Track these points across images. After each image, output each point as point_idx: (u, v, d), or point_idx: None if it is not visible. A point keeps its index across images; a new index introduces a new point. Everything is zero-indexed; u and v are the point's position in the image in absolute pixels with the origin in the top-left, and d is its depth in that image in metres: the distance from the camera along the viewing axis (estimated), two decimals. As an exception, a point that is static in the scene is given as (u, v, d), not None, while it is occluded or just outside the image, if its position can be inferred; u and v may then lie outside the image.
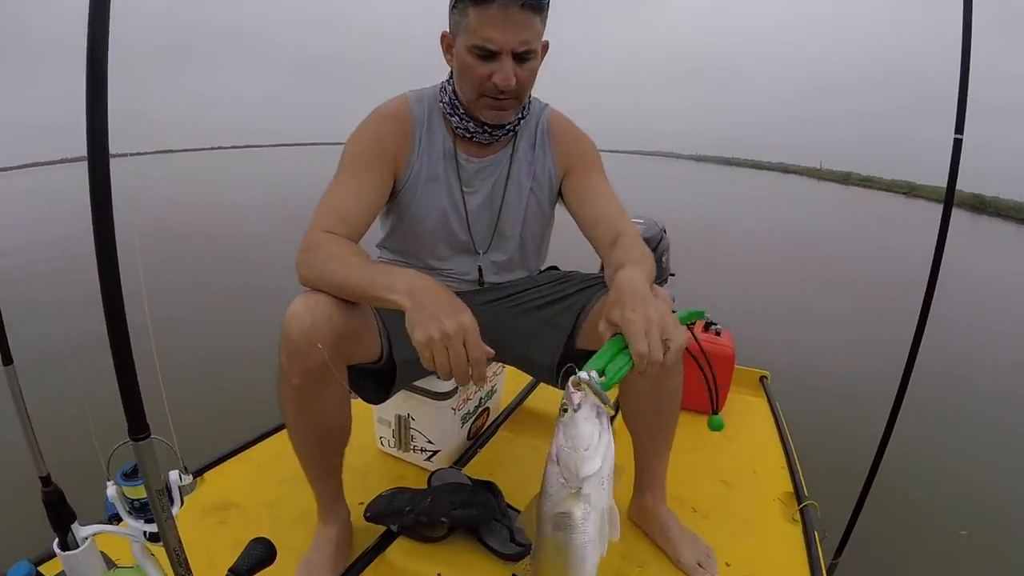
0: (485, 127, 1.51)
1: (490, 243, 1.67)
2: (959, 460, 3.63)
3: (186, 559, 0.80)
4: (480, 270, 1.70)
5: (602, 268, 1.76)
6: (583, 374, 0.94)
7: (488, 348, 1.12)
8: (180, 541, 0.77)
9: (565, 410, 0.92)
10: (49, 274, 7.91)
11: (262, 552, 1.13)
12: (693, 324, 1.30)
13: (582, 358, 1.05)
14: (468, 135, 1.54)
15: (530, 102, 1.58)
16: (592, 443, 0.89)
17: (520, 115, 1.56)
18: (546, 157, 1.64)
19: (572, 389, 0.92)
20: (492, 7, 1.29)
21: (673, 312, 1.13)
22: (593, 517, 0.91)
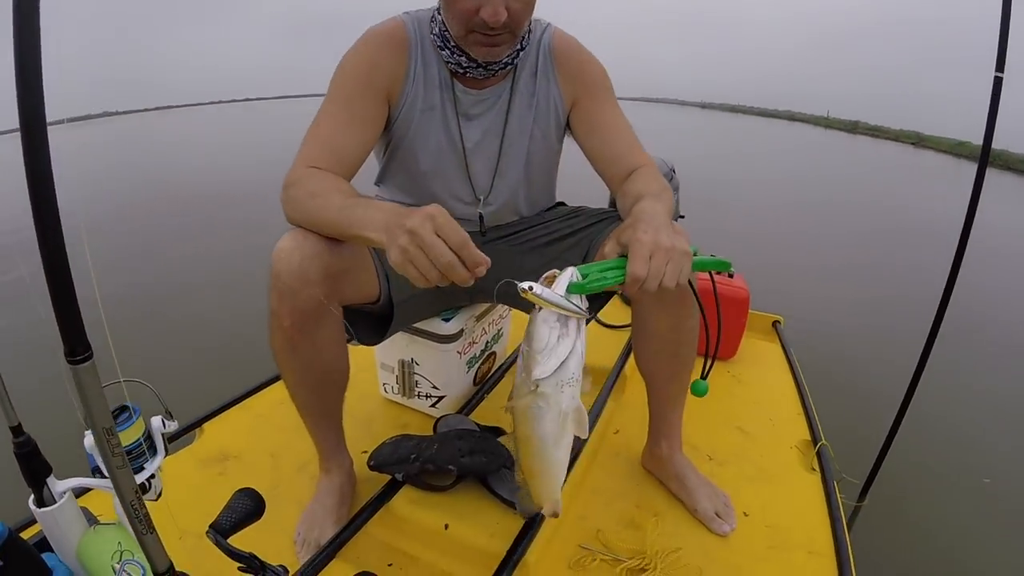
0: (479, 63, 1.38)
1: (492, 184, 1.56)
2: (983, 412, 3.56)
3: (147, 514, 0.71)
4: (481, 217, 1.59)
5: (612, 203, 1.66)
6: (560, 280, 0.93)
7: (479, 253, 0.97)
8: (138, 492, 0.68)
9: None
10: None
11: (248, 505, 1.03)
12: (720, 273, 1.26)
13: (595, 298, 0.99)
14: (461, 71, 1.42)
15: (529, 30, 1.44)
16: (545, 346, 0.91)
17: (519, 47, 1.42)
18: (549, 86, 1.50)
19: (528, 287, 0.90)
20: None
21: (695, 254, 1.05)
22: (550, 416, 0.94)
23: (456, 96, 1.46)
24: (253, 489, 1.05)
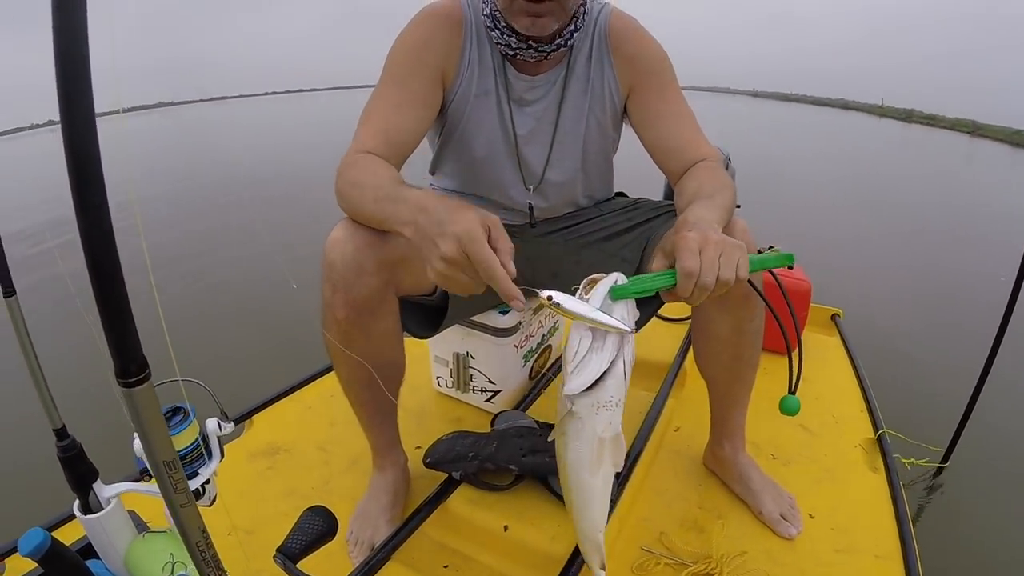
0: (530, 42, 1.30)
1: (543, 174, 1.49)
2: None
3: (215, 556, 0.64)
4: (531, 207, 1.52)
5: (667, 193, 1.59)
6: (597, 291, 0.84)
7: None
8: (205, 532, 0.61)
9: None
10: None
11: (320, 526, 0.98)
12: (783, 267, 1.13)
13: (655, 295, 0.90)
14: (511, 52, 1.34)
15: (585, 9, 1.36)
16: (574, 357, 0.83)
17: (572, 27, 1.33)
18: (604, 72, 1.41)
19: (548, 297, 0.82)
20: None
21: (760, 251, 0.97)
22: (584, 438, 0.87)
23: (508, 81, 1.39)
24: (324, 507, 1.00)
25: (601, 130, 1.48)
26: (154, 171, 12.19)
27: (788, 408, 1.20)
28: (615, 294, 0.83)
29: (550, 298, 0.80)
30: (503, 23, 1.30)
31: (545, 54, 1.34)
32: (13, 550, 1.34)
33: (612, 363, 0.82)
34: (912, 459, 2.26)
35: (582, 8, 1.33)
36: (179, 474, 0.55)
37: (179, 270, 5.36)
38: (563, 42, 1.33)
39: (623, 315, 0.83)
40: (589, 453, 0.88)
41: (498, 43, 1.34)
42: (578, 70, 1.41)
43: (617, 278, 0.84)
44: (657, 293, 0.88)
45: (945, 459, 2.40)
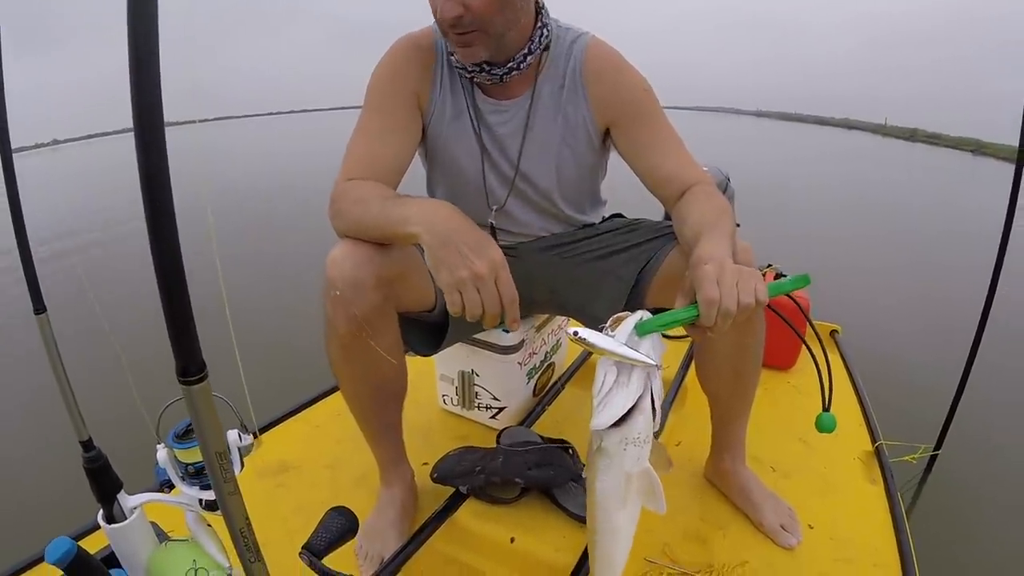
0: (483, 65, 1.34)
1: (507, 197, 1.52)
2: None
3: (255, 541, 0.68)
4: (492, 227, 1.56)
5: (667, 216, 1.62)
6: (623, 326, 0.86)
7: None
8: (248, 519, 0.65)
9: None
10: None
11: (342, 523, 1.01)
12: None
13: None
14: (468, 75, 1.39)
15: (545, 32, 1.38)
16: (599, 391, 0.84)
17: (526, 50, 1.35)
18: (578, 100, 1.42)
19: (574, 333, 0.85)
20: None
21: (777, 277, 1.00)
22: (612, 473, 0.88)
23: (476, 104, 1.43)
24: (346, 507, 1.03)
25: (576, 158, 1.49)
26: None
27: (824, 426, 1.22)
28: (641, 330, 0.85)
29: (576, 334, 0.84)
30: None
31: (499, 76, 1.37)
32: (40, 559, 1.37)
33: (639, 399, 0.84)
34: (910, 456, 2.32)
35: (540, 32, 1.36)
36: (227, 464, 0.59)
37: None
38: (515, 65, 1.35)
39: (648, 350, 0.84)
40: (616, 488, 0.89)
41: (457, 67, 1.39)
42: (544, 97, 1.43)
43: (642, 315, 0.87)
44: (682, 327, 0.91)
45: (938, 447, 2.49)
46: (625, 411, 0.83)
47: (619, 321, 0.86)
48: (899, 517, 1.60)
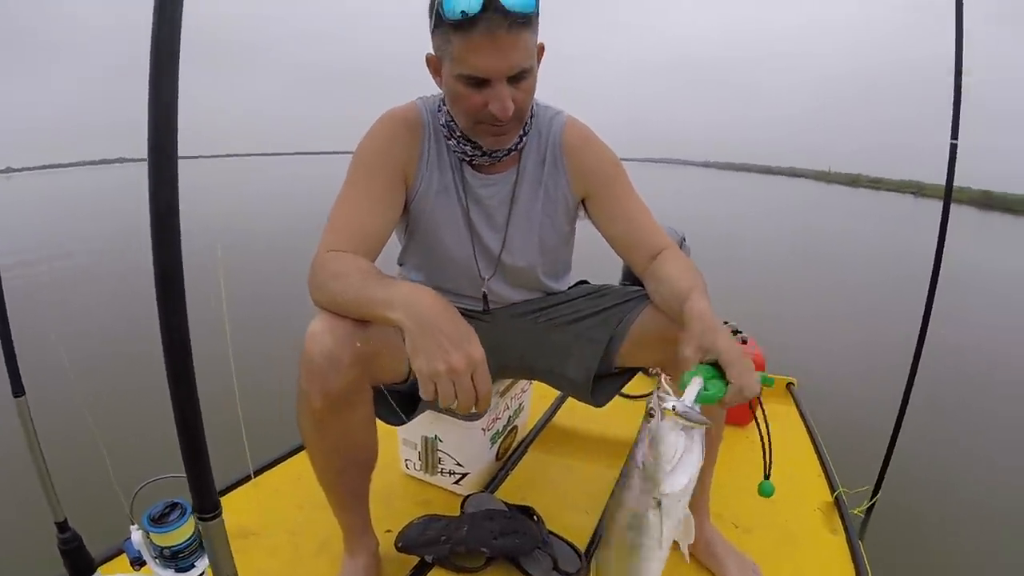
0: (485, 151, 1.41)
1: (496, 267, 1.57)
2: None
3: None
4: (485, 295, 1.60)
5: (625, 275, 1.67)
6: (689, 392, 0.94)
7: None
8: None
9: (652, 415, 0.91)
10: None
11: None
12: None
13: (619, 374, 0.97)
14: (467, 158, 1.45)
15: (533, 115, 1.47)
16: (675, 457, 0.89)
17: (522, 131, 1.44)
18: (558, 174, 1.52)
19: (661, 396, 0.91)
20: (475, 32, 1.15)
21: (734, 333, 1.07)
22: (668, 525, 0.91)
23: (465, 179, 1.48)
24: None
25: (556, 227, 1.57)
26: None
27: (764, 492, 1.27)
28: (701, 400, 0.93)
29: (674, 408, 0.89)
30: (459, 134, 1.40)
31: (498, 158, 1.44)
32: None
33: (700, 456, 0.91)
34: (858, 508, 2.38)
35: (531, 114, 1.44)
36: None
37: (111, 347, 5.26)
38: (513, 147, 1.43)
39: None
40: (666, 538, 0.94)
41: (455, 150, 1.44)
42: (529, 171, 1.51)
43: (700, 384, 0.95)
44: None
45: (874, 493, 2.52)
46: (695, 471, 0.90)
47: (662, 391, 0.93)
48: (861, 566, 1.64)
